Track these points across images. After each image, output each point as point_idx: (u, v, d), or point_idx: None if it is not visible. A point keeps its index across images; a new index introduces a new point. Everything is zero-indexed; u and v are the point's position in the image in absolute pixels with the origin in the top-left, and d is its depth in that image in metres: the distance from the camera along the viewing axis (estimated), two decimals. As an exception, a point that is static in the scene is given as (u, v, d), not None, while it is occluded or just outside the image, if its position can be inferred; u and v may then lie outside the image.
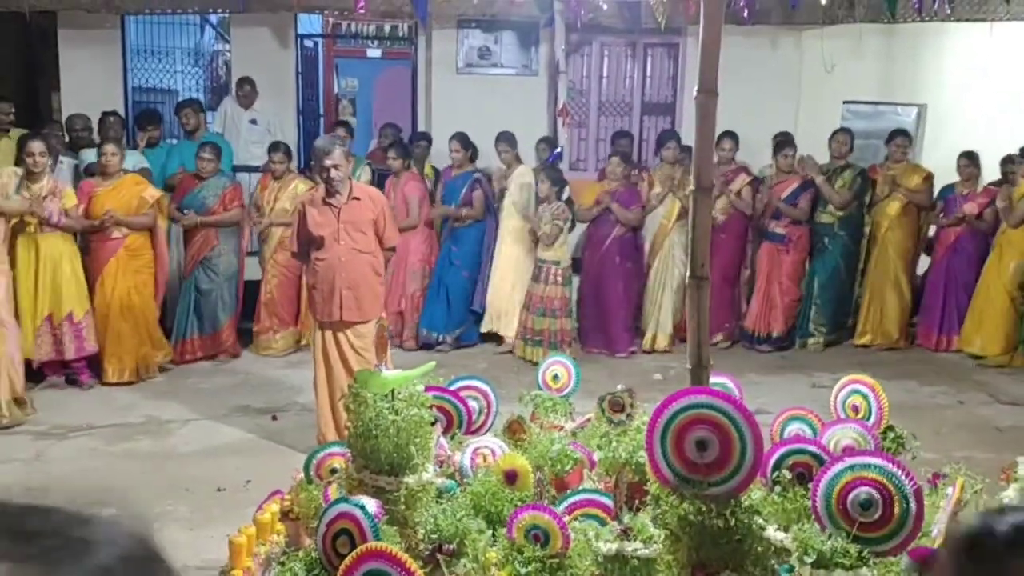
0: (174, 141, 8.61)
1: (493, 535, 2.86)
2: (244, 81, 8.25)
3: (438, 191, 7.53)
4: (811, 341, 7.66)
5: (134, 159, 7.13)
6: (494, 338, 7.50)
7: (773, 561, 2.51)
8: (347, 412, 3.20)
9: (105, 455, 5.21)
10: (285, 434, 5.46)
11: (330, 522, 2.76)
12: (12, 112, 7.17)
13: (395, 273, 7.18)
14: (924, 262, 7.95)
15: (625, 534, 2.59)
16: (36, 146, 5.91)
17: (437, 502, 3.03)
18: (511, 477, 3.06)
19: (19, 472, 4.95)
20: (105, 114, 7.32)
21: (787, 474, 2.85)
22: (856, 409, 3.51)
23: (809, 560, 2.47)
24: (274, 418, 5.77)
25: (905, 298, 7.69)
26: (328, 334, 4.88)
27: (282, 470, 3.93)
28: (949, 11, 7.16)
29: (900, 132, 7.90)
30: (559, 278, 7.01)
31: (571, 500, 3.05)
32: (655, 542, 2.54)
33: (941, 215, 7.61)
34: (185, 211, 6.86)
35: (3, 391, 5.56)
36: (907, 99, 9.34)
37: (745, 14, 7.13)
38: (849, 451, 2.97)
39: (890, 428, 3.43)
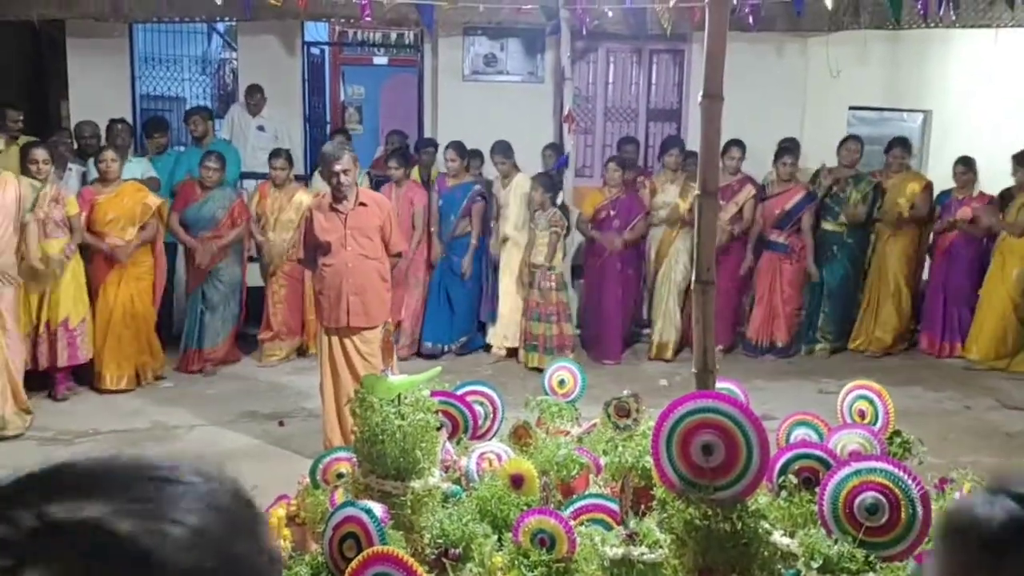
0: (181, 148, 8.65)
1: (499, 540, 2.86)
2: (254, 89, 8.26)
3: (434, 201, 7.41)
4: (818, 348, 7.62)
5: (142, 167, 7.15)
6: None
7: (779, 566, 2.51)
8: (353, 417, 3.21)
9: (112, 461, 5.22)
10: (292, 439, 5.47)
11: (336, 526, 2.77)
12: (21, 119, 7.18)
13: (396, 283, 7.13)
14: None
15: (631, 539, 2.59)
16: (39, 153, 5.92)
17: (443, 506, 3.04)
18: (517, 482, 3.06)
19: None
20: (113, 121, 7.34)
21: (793, 479, 2.84)
22: (863, 414, 3.51)
23: (816, 565, 2.47)
24: (281, 423, 5.79)
25: (904, 306, 7.63)
26: (334, 339, 4.88)
27: (289, 475, 3.93)
28: (954, 17, 7.14)
29: (898, 142, 7.78)
30: (552, 283, 7.01)
31: (577, 505, 3.06)
32: (661, 547, 2.54)
33: (939, 220, 7.58)
34: (190, 229, 6.75)
35: (7, 400, 5.54)
36: (913, 105, 9.33)
37: (750, 21, 7.15)
38: (856, 456, 2.96)
39: (897, 433, 3.43)
